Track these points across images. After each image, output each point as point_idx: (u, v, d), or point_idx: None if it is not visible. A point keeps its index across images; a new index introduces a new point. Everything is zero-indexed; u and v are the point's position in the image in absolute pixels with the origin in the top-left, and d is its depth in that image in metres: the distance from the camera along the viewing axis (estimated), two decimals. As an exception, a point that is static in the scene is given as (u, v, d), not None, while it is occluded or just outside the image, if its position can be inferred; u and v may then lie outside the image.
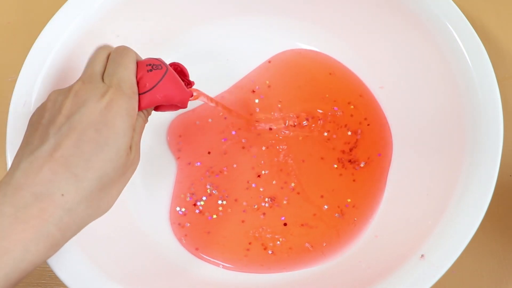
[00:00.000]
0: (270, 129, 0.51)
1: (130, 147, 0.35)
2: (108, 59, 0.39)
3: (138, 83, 0.37)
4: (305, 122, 0.51)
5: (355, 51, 0.52)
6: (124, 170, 0.35)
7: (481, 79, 0.43)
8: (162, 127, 0.52)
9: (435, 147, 0.47)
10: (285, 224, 0.49)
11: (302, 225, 0.49)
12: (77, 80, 0.37)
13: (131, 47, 0.41)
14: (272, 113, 0.52)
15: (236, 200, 0.50)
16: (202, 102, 0.48)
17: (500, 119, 0.43)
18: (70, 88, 0.36)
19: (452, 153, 0.45)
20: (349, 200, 0.49)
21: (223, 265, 0.48)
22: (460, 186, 0.42)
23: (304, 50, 0.53)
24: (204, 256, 0.48)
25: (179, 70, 0.41)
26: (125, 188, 0.36)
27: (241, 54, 0.53)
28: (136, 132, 0.36)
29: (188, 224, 0.49)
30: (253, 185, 0.50)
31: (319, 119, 0.51)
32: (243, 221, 0.49)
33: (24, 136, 0.36)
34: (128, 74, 0.36)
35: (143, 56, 0.41)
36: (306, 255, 0.48)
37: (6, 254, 0.30)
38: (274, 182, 0.50)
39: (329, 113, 0.51)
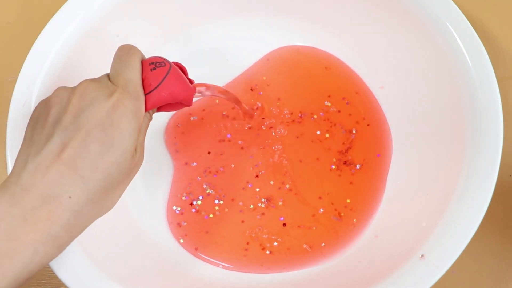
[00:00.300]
0: (270, 127, 0.51)
1: (136, 148, 0.35)
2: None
3: (143, 82, 0.37)
4: (299, 115, 0.51)
5: (355, 51, 0.52)
6: (128, 171, 0.35)
7: (481, 79, 0.44)
8: (160, 128, 0.52)
9: (435, 147, 0.47)
10: (284, 225, 0.49)
11: (299, 226, 0.49)
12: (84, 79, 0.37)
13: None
14: (272, 108, 0.52)
15: (233, 200, 0.49)
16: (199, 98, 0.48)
17: (500, 119, 0.43)
18: (77, 86, 0.35)
19: (452, 153, 0.45)
20: (348, 201, 0.49)
21: (222, 265, 0.48)
22: (460, 186, 0.42)
23: (302, 47, 0.53)
24: (204, 256, 0.48)
25: (179, 67, 0.41)
26: (127, 190, 0.37)
27: (240, 54, 0.53)
28: (141, 132, 0.36)
29: (185, 223, 0.49)
30: (250, 185, 0.50)
31: (312, 115, 0.51)
32: (242, 221, 0.49)
33: (27, 131, 0.35)
34: (134, 74, 0.36)
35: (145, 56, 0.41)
36: (305, 256, 0.48)
37: (16, 256, 0.31)
38: (271, 182, 0.50)
39: (323, 108, 0.51)
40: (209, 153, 0.51)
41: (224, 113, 0.52)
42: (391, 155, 0.50)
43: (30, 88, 0.44)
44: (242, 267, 0.47)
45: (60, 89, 0.36)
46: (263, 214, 0.49)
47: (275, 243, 0.48)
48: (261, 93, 0.52)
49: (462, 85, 0.44)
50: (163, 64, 0.38)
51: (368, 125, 0.51)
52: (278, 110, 0.52)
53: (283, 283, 0.47)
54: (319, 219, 0.49)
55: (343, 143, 0.50)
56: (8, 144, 0.43)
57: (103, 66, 0.41)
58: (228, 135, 0.51)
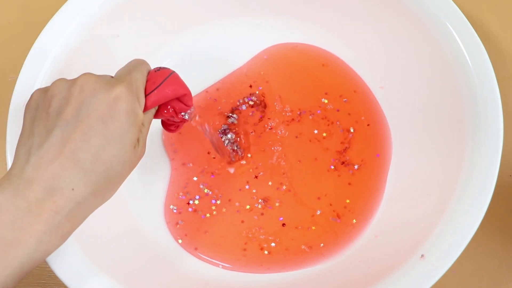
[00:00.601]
0: (271, 128, 0.51)
1: (138, 141, 0.36)
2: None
3: (146, 83, 0.37)
4: (298, 112, 0.51)
5: (354, 51, 0.52)
6: (130, 163, 0.35)
7: (481, 79, 0.44)
8: (158, 128, 0.52)
9: (435, 147, 0.47)
10: (283, 225, 0.49)
11: (298, 227, 0.49)
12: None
13: (131, 47, 0.41)
14: (275, 103, 0.52)
15: (230, 200, 0.49)
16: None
17: (500, 119, 0.43)
18: (78, 77, 0.35)
19: (452, 153, 0.45)
20: (348, 201, 0.49)
21: (222, 265, 0.48)
22: (460, 186, 0.42)
23: (299, 44, 0.53)
24: (203, 256, 0.48)
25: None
26: (124, 188, 0.37)
27: (240, 54, 0.53)
28: (144, 126, 0.37)
29: (182, 222, 0.49)
30: (247, 186, 0.50)
31: (310, 113, 0.51)
32: (242, 221, 0.49)
33: (26, 120, 0.36)
34: (139, 75, 0.37)
35: (144, 57, 0.41)
36: (304, 256, 0.48)
37: (21, 245, 0.32)
38: (270, 183, 0.50)
39: (320, 106, 0.51)
40: (208, 153, 0.51)
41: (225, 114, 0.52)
42: (391, 155, 0.50)
43: (30, 88, 0.44)
44: (241, 267, 0.47)
45: (60, 80, 0.36)
46: (262, 214, 0.49)
47: (273, 244, 0.48)
48: (260, 88, 0.52)
49: (462, 85, 0.44)
50: (167, 68, 0.39)
51: (368, 125, 0.51)
52: (281, 106, 0.51)
53: (283, 283, 0.47)
54: (318, 219, 0.49)
55: (341, 143, 0.50)
56: (8, 144, 0.43)
57: (103, 66, 0.41)
58: (233, 136, 0.51)
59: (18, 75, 0.44)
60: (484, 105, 0.43)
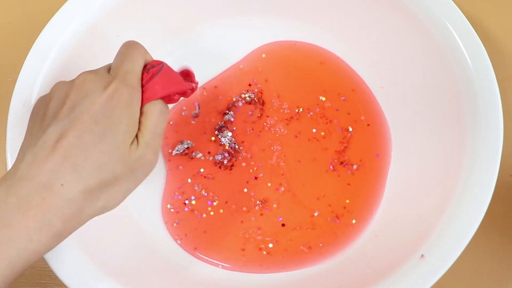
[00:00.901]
0: (270, 127, 0.51)
1: (137, 141, 0.35)
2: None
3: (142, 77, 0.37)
4: (296, 110, 0.51)
5: (354, 51, 0.52)
6: (123, 163, 0.34)
7: (481, 79, 0.44)
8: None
9: (435, 147, 0.47)
10: (283, 225, 0.49)
11: (297, 227, 0.48)
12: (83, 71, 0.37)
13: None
14: (273, 100, 0.52)
15: (228, 200, 0.49)
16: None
17: (500, 119, 0.43)
18: (75, 78, 0.36)
19: (452, 153, 0.45)
20: (347, 201, 0.49)
21: (222, 265, 0.48)
22: (460, 186, 0.42)
23: (298, 42, 0.53)
24: (202, 256, 0.48)
25: (186, 73, 0.42)
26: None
27: (240, 54, 0.53)
28: (146, 127, 0.35)
29: (180, 221, 0.49)
30: (245, 189, 0.49)
31: (309, 111, 0.51)
32: (242, 222, 0.49)
33: (28, 126, 0.36)
34: (133, 66, 0.36)
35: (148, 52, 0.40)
36: (304, 256, 0.48)
37: (9, 242, 0.31)
38: (269, 184, 0.50)
39: (318, 103, 0.51)
40: (209, 153, 0.51)
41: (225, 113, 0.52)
42: (391, 155, 0.50)
43: (30, 88, 0.44)
44: (241, 267, 0.47)
45: (59, 83, 0.37)
46: (261, 215, 0.49)
47: (271, 245, 0.48)
48: (259, 86, 0.52)
49: (462, 85, 0.44)
50: (157, 65, 0.38)
51: (368, 125, 0.51)
52: (279, 103, 0.51)
53: (283, 283, 0.47)
54: (317, 220, 0.49)
55: (340, 142, 0.50)
56: (8, 144, 0.43)
57: (103, 65, 0.41)
58: (230, 133, 0.51)
59: (18, 75, 0.44)
60: (484, 105, 0.43)
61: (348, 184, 0.49)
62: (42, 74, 0.44)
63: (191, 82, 0.41)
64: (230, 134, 0.50)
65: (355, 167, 0.50)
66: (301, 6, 0.52)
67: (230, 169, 0.50)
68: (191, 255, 0.48)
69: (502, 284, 0.48)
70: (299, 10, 0.52)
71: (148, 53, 0.39)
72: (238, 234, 0.48)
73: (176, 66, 0.42)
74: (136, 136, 0.35)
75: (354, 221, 0.48)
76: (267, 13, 0.53)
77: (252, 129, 0.51)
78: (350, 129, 0.51)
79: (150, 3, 0.49)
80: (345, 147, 0.50)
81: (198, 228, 0.49)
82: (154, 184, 0.50)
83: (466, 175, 0.42)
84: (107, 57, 0.41)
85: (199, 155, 0.50)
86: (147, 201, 0.50)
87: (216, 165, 0.50)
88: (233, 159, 0.50)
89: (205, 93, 0.52)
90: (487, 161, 0.42)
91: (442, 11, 0.45)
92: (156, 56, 0.49)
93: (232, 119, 0.51)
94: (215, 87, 0.52)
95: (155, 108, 0.36)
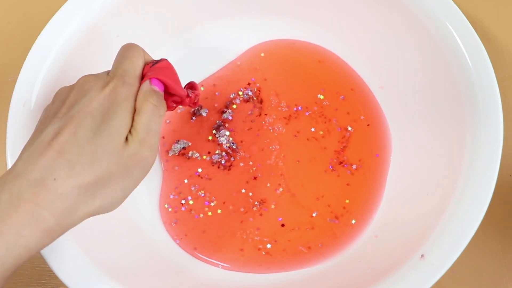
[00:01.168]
0: (269, 125, 0.51)
1: (130, 135, 0.35)
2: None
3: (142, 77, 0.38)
4: (295, 109, 0.51)
5: (354, 50, 0.52)
6: (123, 162, 0.34)
7: (481, 79, 0.44)
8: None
9: (435, 147, 0.47)
10: (282, 225, 0.49)
11: (294, 228, 0.48)
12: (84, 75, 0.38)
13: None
14: (271, 98, 0.52)
15: (226, 201, 0.49)
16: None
17: (500, 119, 0.43)
18: (76, 82, 0.37)
19: (452, 153, 0.45)
20: (347, 201, 0.49)
21: (222, 265, 0.48)
22: (460, 186, 0.42)
23: (296, 41, 0.53)
24: (202, 256, 0.48)
25: (191, 85, 0.42)
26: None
27: (240, 54, 0.53)
28: (138, 123, 0.35)
29: (176, 220, 0.49)
30: (243, 189, 0.49)
31: (307, 110, 0.51)
32: (241, 222, 0.49)
33: (34, 130, 0.37)
34: (131, 66, 0.37)
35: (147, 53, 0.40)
36: (304, 256, 0.48)
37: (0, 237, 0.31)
38: (268, 185, 0.50)
39: (316, 102, 0.51)
40: (208, 153, 0.51)
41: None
42: (391, 155, 0.50)
43: (30, 88, 0.44)
44: (240, 267, 0.47)
45: (61, 88, 0.38)
46: (261, 215, 0.49)
47: (269, 245, 0.48)
48: (258, 85, 0.52)
49: (462, 85, 0.44)
50: (159, 60, 0.39)
51: (368, 125, 0.51)
52: (277, 101, 0.51)
53: (283, 283, 0.47)
54: (316, 220, 0.49)
55: (339, 142, 0.50)
56: (8, 144, 0.43)
57: (103, 66, 0.41)
58: (227, 132, 0.51)
59: (18, 75, 0.44)
60: (484, 105, 0.43)
61: (348, 184, 0.49)
62: (42, 74, 0.44)
63: (193, 91, 0.41)
64: (227, 133, 0.50)
65: (354, 167, 0.50)
66: (300, 5, 0.52)
67: (229, 169, 0.50)
68: (191, 255, 0.48)
69: (502, 284, 0.48)
70: (299, 9, 0.52)
71: (147, 54, 0.39)
72: (236, 234, 0.48)
73: (176, 66, 0.42)
74: (130, 132, 0.35)
75: (353, 221, 0.48)
76: (266, 13, 0.53)
77: (250, 128, 0.51)
78: (349, 129, 0.51)
79: (150, 3, 0.49)
80: (344, 146, 0.50)
81: (197, 228, 0.49)
82: (153, 184, 0.50)
83: (466, 175, 0.42)
84: (107, 57, 0.41)
85: (196, 155, 0.50)
86: (146, 201, 0.50)
87: (213, 166, 0.50)
88: (231, 159, 0.50)
89: (202, 88, 0.52)
90: (487, 161, 0.42)
91: (442, 11, 0.45)
92: (155, 56, 0.50)
93: (230, 118, 0.51)
94: (214, 85, 0.52)
95: (147, 104, 0.36)
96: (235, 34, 0.53)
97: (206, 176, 0.50)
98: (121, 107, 0.35)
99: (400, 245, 0.44)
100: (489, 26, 0.54)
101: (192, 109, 0.51)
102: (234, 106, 0.51)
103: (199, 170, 0.50)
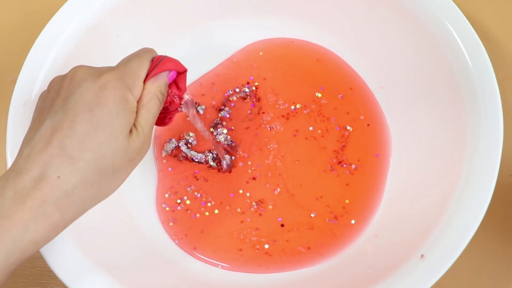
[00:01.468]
0: (267, 124, 0.51)
1: (135, 129, 0.35)
2: None
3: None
4: (293, 107, 0.51)
5: (354, 50, 0.52)
6: (123, 153, 0.34)
7: (481, 79, 0.44)
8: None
9: (435, 147, 0.47)
10: (282, 225, 0.49)
11: (293, 229, 0.48)
12: None
13: (131, 47, 0.41)
14: (268, 96, 0.52)
15: (224, 201, 0.49)
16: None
17: (500, 119, 0.43)
18: (69, 71, 0.36)
19: (452, 153, 0.45)
20: (347, 201, 0.49)
21: (221, 265, 0.48)
22: (460, 186, 0.42)
23: (296, 40, 0.53)
24: (201, 256, 0.48)
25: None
26: (123, 186, 0.36)
27: (239, 53, 0.53)
28: (142, 115, 0.35)
29: (174, 219, 0.49)
30: (240, 190, 0.49)
31: (305, 108, 0.51)
32: (242, 222, 0.49)
33: (31, 122, 0.37)
34: (137, 64, 0.36)
35: None
36: (303, 256, 0.48)
37: (6, 233, 0.31)
38: (267, 185, 0.50)
39: (314, 100, 0.51)
40: (209, 151, 0.51)
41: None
42: (390, 155, 0.50)
43: (30, 88, 0.44)
44: (239, 267, 0.47)
45: (55, 77, 0.37)
46: (260, 215, 0.49)
47: (266, 246, 0.48)
48: (257, 84, 0.52)
49: (462, 85, 0.44)
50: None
51: (368, 125, 0.51)
52: (275, 99, 0.51)
53: (283, 283, 0.47)
54: (316, 221, 0.49)
55: (338, 141, 0.50)
56: (8, 144, 0.43)
57: (103, 65, 0.41)
58: (225, 130, 0.51)
59: (18, 75, 0.44)
60: (484, 105, 0.43)
61: (347, 184, 0.49)
62: (42, 74, 0.44)
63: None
64: (225, 131, 0.50)
65: (353, 166, 0.50)
66: (300, 4, 0.52)
67: (230, 172, 0.50)
68: (190, 255, 0.48)
69: (502, 284, 0.48)
70: (298, 8, 0.52)
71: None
72: (234, 234, 0.48)
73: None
74: (134, 125, 0.35)
75: (353, 221, 0.48)
76: (266, 12, 0.53)
77: (248, 127, 0.51)
78: (348, 128, 0.50)
79: (150, 3, 0.49)
80: (344, 146, 0.50)
81: (195, 228, 0.49)
82: (153, 184, 0.50)
83: (466, 175, 0.42)
84: (107, 57, 0.41)
85: (193, 153, 0.50)
86: (146, 201, 0.50)
87: (210, 168, 0.50)
88: (232, 158, 0.50)
89: (199, 84, 0.52)
90: (487, 161, 0.42)
91: (442, 11, 0.45)
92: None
93: (227, 115, 0.51)
94: (212, 82, 0.52)
95: (155, 101, 0.36)
96: (235, 34, 0.53)
97: (202, 177, 0.50)
98: (123, 102, 0.34)
99: (400, 245, 0.44)
100: (489, 26, 0.54)
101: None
102: (232, 105, 0.51)
103: (196, 171, 0.50)
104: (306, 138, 0.51)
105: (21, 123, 0.43)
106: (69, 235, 0.41)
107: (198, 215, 0.49)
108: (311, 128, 0.51)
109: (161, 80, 0.37)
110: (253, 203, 0.49)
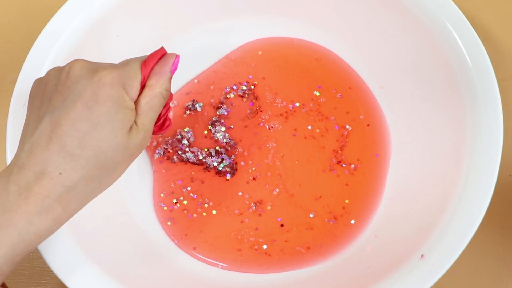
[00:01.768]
0: (265, 122, 0.51)
1: (136, 127, 0.35)
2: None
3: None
4: (291, 106, 0.51)
5: (353, 50, 0.52)
6: (123, 149, 0.35)
7: (481, 79, 0.44)
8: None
9: (435, 147, 0.47)
10: (282, 225, 0.48)
11: (293, 229, 0.48)
12: None
13: (131, 47, 0.41)
14: (266, 94, 0.51)
15: (221, 202, 0.49)
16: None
17: (500, 119, 0.43)
18: (67, 64, 0.36)
19: (452, 153, 0.45)
20: (347, 201, 0.49)
21: (221, 265, 0.48)
22: (460, 186, 0.42)
23: (295, 39, 0.53)
24: (201, 256, 0.48)
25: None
26: (123, 186, 0.36)
27: (238, 52, 0.53)
28: (146, 116, 0.36)
29: (172, 219, 0.48)
30: (240, 193, 0.49)
31: (304, 107, 0.51)
32: (241, 222, 0.49)
33: (27, 111, 0.37)
34: (137, 64, 0.36)
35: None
36: (303, 256, 0.48)
37: (11, 226, 0.32)
38: (267, 185, 0.49)
39: (312, 98, 0.51)
40: (207, 150, 0.50)
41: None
42: (390, 155, 0.50)
43: (30, 88, 0.44)
44: (239, 267, 0.47)
45: (53, 68, 0.37)
46: (259, 215, 0.49)
47: (265, 246, 0.48)
48: (255, 82, 0.52)
49: (462, 85, 0.44)
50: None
51: (368, 125, 0.51)
52: (273, 97, 0.51)
53: (283, 283, 0.47)
54: (315, 221, 0.48)
55: (337, 140, 0.50)
56: (8, 144, 0.43)
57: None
58: (223, 128, 0.50)
59: (18, 75, 0.44)
60: (484, 105, 0.43)
61: (347, 184, 0.49)
62: (42, 74, 0.44)
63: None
64: (223, 129, 0.50)
65: (353, 166, 0.50)
66: (299, 3, 0.52)
67: (233, 175, 0.50)
68: (190, 255, 0.48)
69: (502, 284, 0.48)
70: (297, 7, 0.52)
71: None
72: (232, 234, 0.48)
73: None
74: (136, 122, 0.36)
75: (353, 221, 0.48)
76: (265, 11, 0.53)
77: (247, 126, 0.51)
78: (348, 127, 0.50)
79: (149, 4, 0.49)
80: (343, 145, 0.50)
81: (194, 228, 0.48)
82: (151, 183, 0.50)
83: (466, 175, 0.42)
84: (107, 57, 0.41)
85: (190, 154, 0.50)
86: (145, 201, 0.49)
87: (206, 170, 0.50)
88: (232, 157, 0.50)
89: (196, 81, 0.52)
90: (487, 161, 0.42)
91: (442, 11, 0.45)
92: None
93: (225, 113, 0.51)
94: (209, 80, 0.52)
95: (160, 99, 0.36)
96: (234, 33, 0.53)
97: (198, 178, 0.50)
98: (118, 102, 0.34)
99: (400, 245, 0.44)
100: (489, 26, 0.54)
101: (187, 104, 0.51)
102: (231, 103, 0.51)
103: (192, 173, 0.50)
104: (305, 138, 0.50)
105: (21, 123, 0.43)
106: (69, 235, 0.41)
107: (195, 215, 0.49)
108: (310, 127, 0.51)
109: (165, 77, 0.37)
110: (252, 204, 0.49)
